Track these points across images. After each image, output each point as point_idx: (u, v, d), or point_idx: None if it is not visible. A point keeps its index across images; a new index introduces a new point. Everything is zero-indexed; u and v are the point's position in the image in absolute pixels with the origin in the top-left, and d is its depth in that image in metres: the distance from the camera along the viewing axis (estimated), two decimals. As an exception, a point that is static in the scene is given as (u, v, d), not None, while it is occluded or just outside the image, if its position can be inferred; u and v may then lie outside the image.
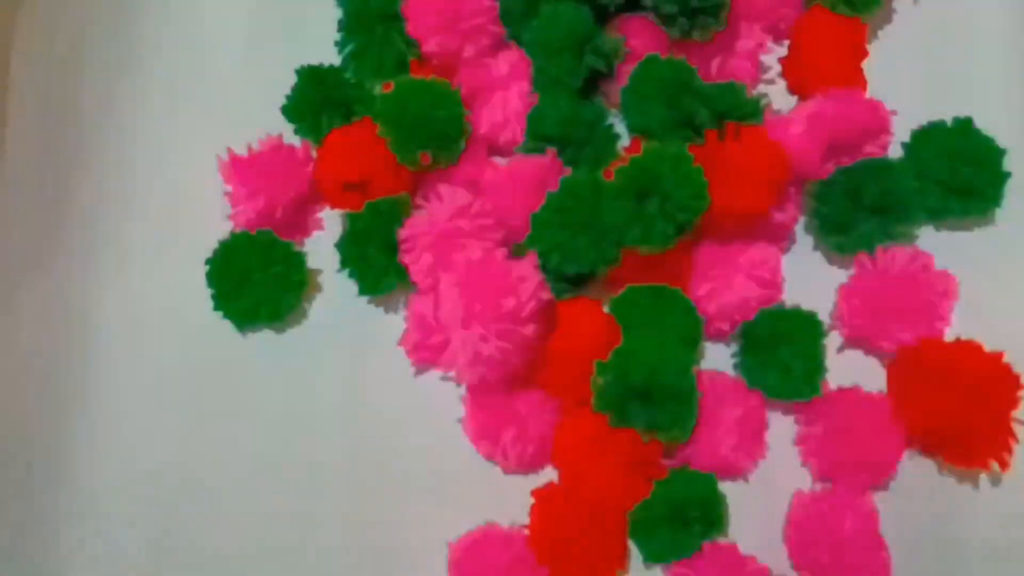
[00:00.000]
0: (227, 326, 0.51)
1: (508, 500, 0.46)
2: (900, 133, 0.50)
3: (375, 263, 0.50)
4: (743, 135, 0.47)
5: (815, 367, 0.47)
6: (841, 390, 0.47)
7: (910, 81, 0.53)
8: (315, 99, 0.52)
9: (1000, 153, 0.49)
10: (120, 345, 0.52)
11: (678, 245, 0.46)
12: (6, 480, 0.49)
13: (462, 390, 0.48)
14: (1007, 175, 0.49)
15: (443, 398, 0.49)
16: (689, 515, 0.44)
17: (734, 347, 0.49)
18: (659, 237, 0.45)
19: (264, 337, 0.51)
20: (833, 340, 0.49)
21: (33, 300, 0.52)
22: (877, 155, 0.50)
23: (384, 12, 0.54)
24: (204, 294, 0.51)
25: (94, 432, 0.50)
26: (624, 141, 0.52)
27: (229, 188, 0.51)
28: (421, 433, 0.49)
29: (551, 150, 0.50)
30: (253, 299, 0.50)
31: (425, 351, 0.48)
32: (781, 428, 0.48)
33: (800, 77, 0.53)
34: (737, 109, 0.48)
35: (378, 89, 0.52)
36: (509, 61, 0.52)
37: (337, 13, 0.55)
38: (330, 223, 0.53)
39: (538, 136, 0.51)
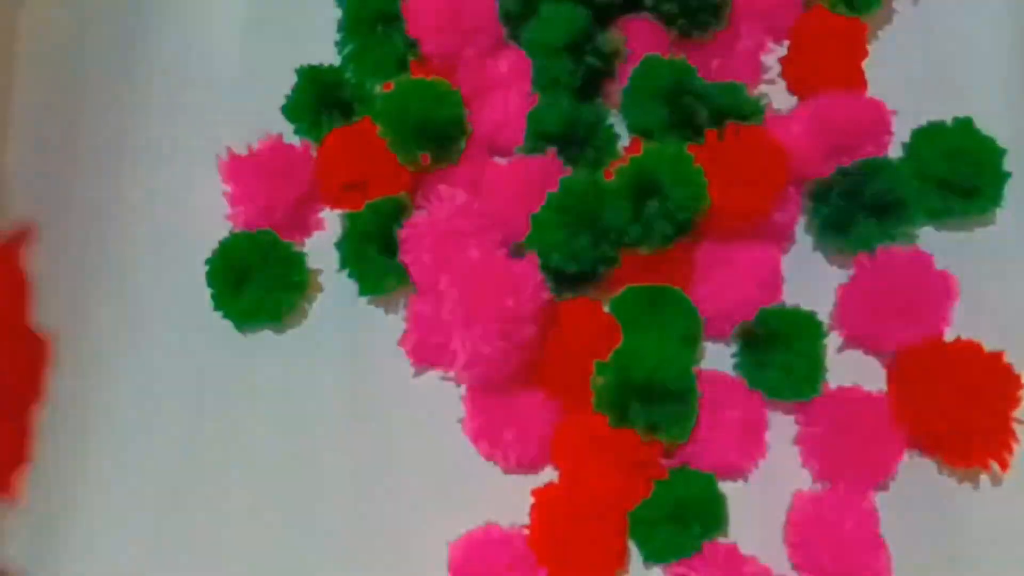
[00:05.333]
0: (227, 326, 0.51)
1: (508, 500, 0.46)
2: (900, 133, 0.50)
3: (375, 263, 0.50)
4: (743, 135, 0.47)
5: (815, 367, 0.47)
6: (841, 390, 0.47)
7: (910, 81, 0.53)
8: (315, 99, 0.52)
9: (1000, 153, 0.49)
10: (120, 345, 0.52)
11: (678, 245, 0.46)
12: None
13: (462, 390, 0.48)
14: (1007, 175, 0.49)
15: (443, 398, 0.49)
16: (689, 515, 0.44)
17: (734, 347, 0.49)
18: (659, 237, 0.45)
19: (264, 337, 0.51)
20: (833, 340, 0.48)
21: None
22: (877, 155, 0.50)
23: (384, 12, 0.54)
24: (204, 294, 0.51)
25: (93, 431, 0.50)
26: (624, 141, 0.52)
27: (229, 188, 0.51)
28: (421, 433, 0.49)
29: (551, 150, 0.50)
30: (253, 299, 0.50)
31: (425, 351, 0.48)
32: (781, 428, 0.48)
33: (800, 77, 0.53)
34: (737, 109, 0.48)
35: (378, 89, 0.52)
36: (509, 61, 0.52)
37: (337, 13, 0.55)
38: (330, 223, 0.53)
39: (538, 136, 0.51)
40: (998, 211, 0.50)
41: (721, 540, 0.45)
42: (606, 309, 0.48)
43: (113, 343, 0.52)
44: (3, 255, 0.16)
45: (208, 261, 0.51)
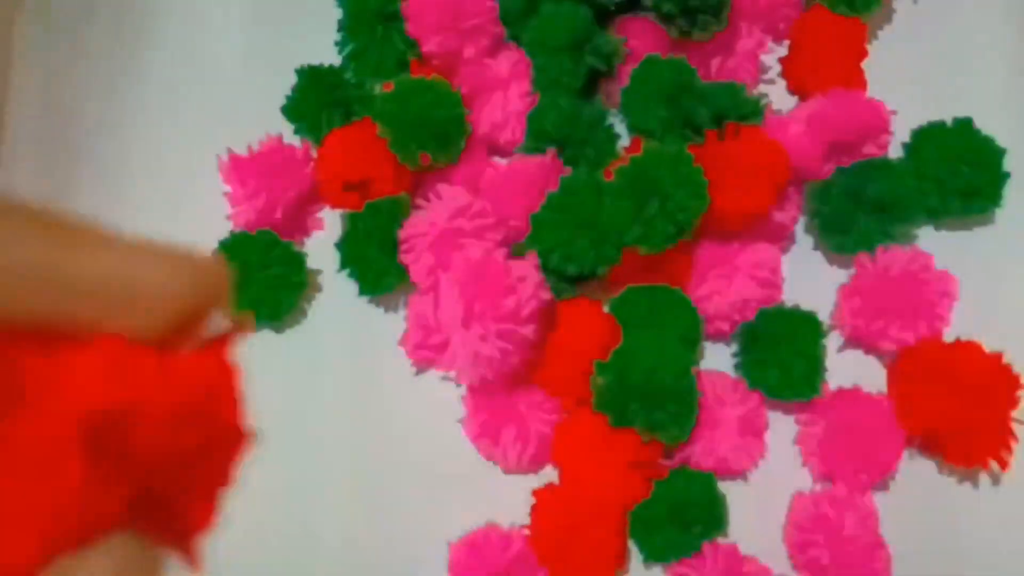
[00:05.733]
0: (227, 326, 0.51)
1: (508, 500, 0.46)
2: (900, 133, 0.50)
3: (375, 263, 0.50)
4: (743, 135, 0.47)
5: (815, 367, 0.47)
6: (841, 390, 0.47)
7: (910, 81, 0.53)
8: (315, 99, 0.52)
9: (1000, 153, 0.49)
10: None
11: (678, 245, 0.46)
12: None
13: (462, 390, 0.48)
14: (1007, 175, 0.49)
15: (443, 398, 0.49)
16: (689, 515, 0.44)
17: (734, 347, 0.49)
18: (659, 237, 0.45)
19: (264, 337, 0.51)
20: (833, 340, 0.49)
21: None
22: (877, 155, 0.50)
23: (384, 12, 0.54)
24: (204, 294, 0.50)
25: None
26: (624, 141, 0.52)
27: (229, 188, 0.51)
28: (421, 433, 0.49)
29: (551, 150, 0.50)
30: (253, 299, 0.50)
31: (425, 351, 0.48)
32: (781, 428, 0.48)
33: (800, 77, 0.53)
34: (737, 109, 0.48)
35: (378, 89, 0.52)
36: (509, 61, 0.52)
37: (337, 13, 0.55)
38: (330, 223, 0.53)
39: (538, 136, 0.51)
40: (998, 211, 0.50)
41: (721, 540, 0.45)
42: (606, 309, 0.48)
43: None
44: (215, 349, 0.16)
45: (208, 261, 0.50)
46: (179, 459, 0.16)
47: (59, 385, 0.15)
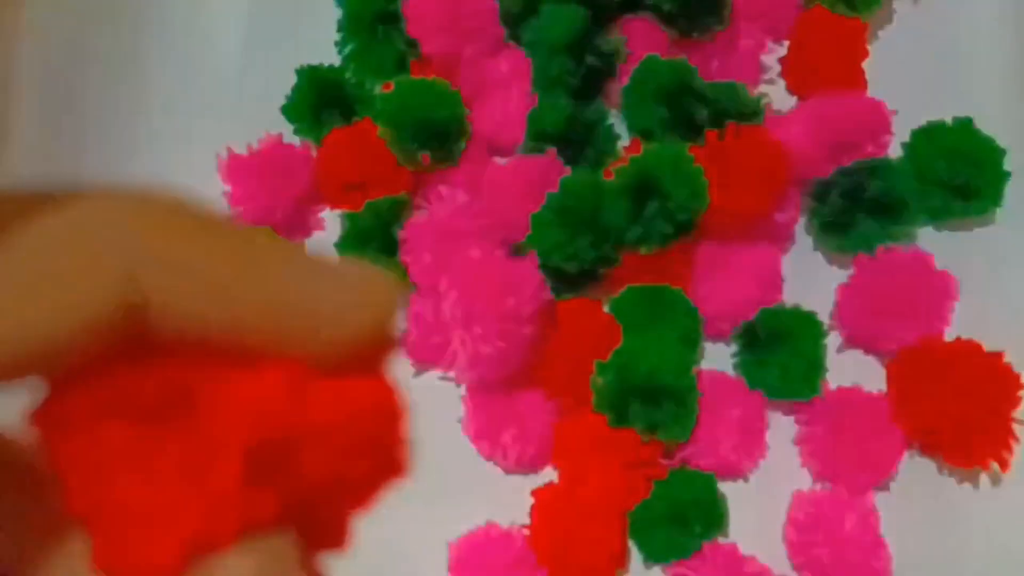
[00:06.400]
0: (227, 326, 0.51)
1: (508, 500, 0.46)
2: (900, 133, 0.50)
3: (375, 263, 0.49)
4: (743, 135, 0.47)
5: (815, 367, 0.47)
6: (841, 390, 0.47)
7: (910, 81, 0.53)
8: (315, 99, 0.52)
9: (1000, 153, 0.49)
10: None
11: (678, 245, 0.46)
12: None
13: (462, 390, 0.48)
14: (1007, 175, 0.49)
15: (443, 398, 0.49)
16: (689, 515, 0.44)
17: (734, 347, 0.49)
18: (659, 237, 0.45)
19: (264, 337, 0.51)
20: (833, 340, 0.48)
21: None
22: (877, 155, 0.50)
23: (384, 12, 0.54)
24: (204, 294, 0.50)
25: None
26: (624, 141, 0.52)
27: (229, 188, 0.51)
28: (421, 433, 0.48)
29: (551, 150, 0.50)
30: (253, 299, 0.50)
31: (425, 351, 0.48)
32: (781, 428, 0.48)
33: (800, 77, 0.52)
34: (737, 109, 0.48)
35: (378, 89, 0.52)
36: (509, 61, 0.52)
37: (337, 13, 0.55)
38: (330, 223, 0.53)
39: (538, 136, 0.51)
40: (998, 211, 0.50)
41: (721, 540, 0.45)
42: (606, 309, 0.48)
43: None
44: (383, 376, 0.16)
45: (208, 261, 0.50)
46: (337, 483, 0.16)
47: (231, 404, 0.14)
